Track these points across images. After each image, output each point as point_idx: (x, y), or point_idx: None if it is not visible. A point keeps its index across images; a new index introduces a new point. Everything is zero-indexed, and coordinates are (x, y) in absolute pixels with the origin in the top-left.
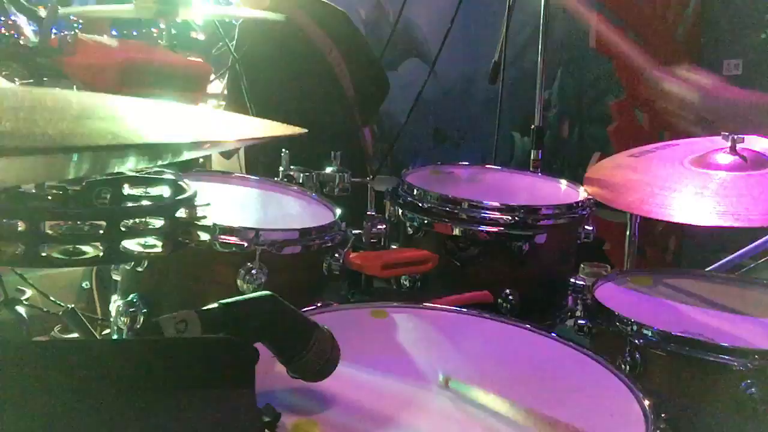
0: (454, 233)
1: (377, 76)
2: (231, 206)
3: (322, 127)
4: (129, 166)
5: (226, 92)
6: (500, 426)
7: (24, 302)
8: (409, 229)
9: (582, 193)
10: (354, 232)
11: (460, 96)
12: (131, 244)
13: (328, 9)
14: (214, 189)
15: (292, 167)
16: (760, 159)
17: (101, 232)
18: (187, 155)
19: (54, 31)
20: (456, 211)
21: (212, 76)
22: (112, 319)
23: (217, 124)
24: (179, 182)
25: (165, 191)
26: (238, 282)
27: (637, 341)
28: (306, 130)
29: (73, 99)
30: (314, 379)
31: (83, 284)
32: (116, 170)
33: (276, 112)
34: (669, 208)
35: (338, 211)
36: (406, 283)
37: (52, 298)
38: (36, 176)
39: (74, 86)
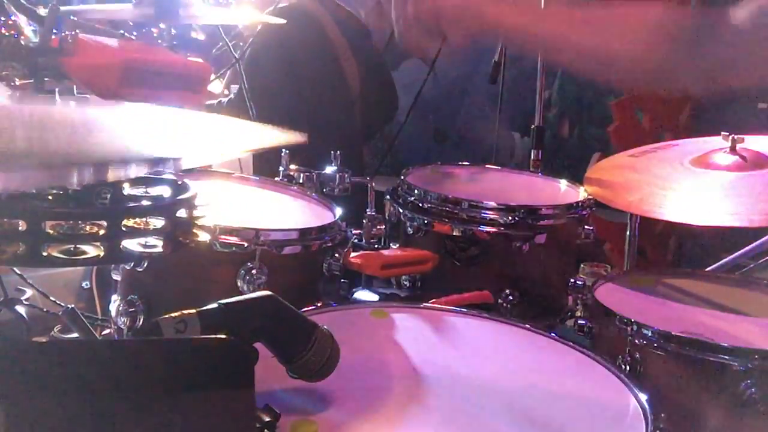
0: (454, 233)
1: (388, 97)
2: (231, 206)
3: (323, 129)
4: (131, 172)
5: (227, 91)
6: (500, 426)
7: (24, 302)
8: (409, 229)
9: (582, 193)
10: (354, 232)
11: (460, 96)
12: (132, 244)
13: (352, 19)
14: (214, 189)
15: (292, 167)
16: (760, 159)
17: (102, 231)
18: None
19: (54, 31)
20: (456, 211)
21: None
22: (112, 319)
23: (220, 134)
24: (179, 182)
25: (165, 191)
26: (238, 282)
27: (637, 341)
28: (306, 137)
29: (77, 113)
30: (314, 379)
31: (83, 284)
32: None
33: (278, 112)
34: (669, 209)
35: (338, 211)
36: (406, 283)
37: (52, 298)
38: (40, 185)
39: (74, 86)
